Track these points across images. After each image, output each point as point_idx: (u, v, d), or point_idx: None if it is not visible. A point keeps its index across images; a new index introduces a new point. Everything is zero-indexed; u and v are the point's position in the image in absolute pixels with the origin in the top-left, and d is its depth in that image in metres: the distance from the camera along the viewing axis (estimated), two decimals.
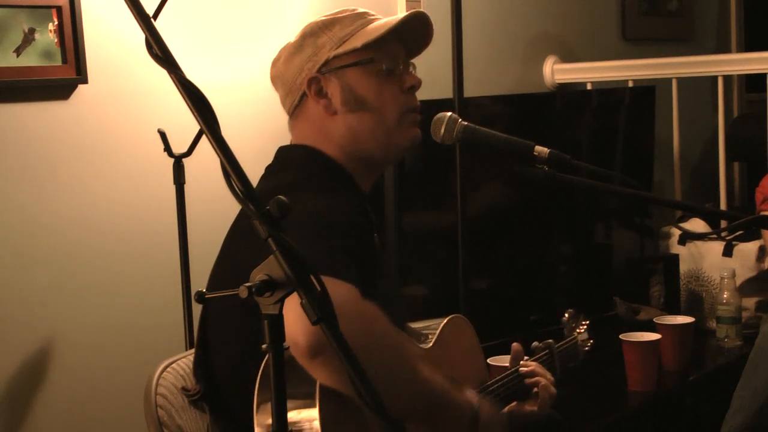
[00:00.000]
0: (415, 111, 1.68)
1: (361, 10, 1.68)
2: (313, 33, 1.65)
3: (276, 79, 1.71)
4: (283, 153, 1.72)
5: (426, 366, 1.47)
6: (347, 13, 1.66)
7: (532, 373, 1.83)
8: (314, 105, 1.65)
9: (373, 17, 1.67)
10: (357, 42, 1.62)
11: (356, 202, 1.63)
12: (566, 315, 2.14)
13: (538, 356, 1.95)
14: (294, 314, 1.05)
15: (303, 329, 1.19)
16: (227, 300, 1.40)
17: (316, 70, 1.63)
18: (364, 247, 1.53)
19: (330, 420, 1.30)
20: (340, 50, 1.62)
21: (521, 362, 1.86)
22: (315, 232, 1.40)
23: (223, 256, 1.64)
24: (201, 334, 1.62)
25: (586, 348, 2.13)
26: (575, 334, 2.11)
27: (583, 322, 2.16)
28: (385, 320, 1.38)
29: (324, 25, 1.65)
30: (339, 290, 1.25)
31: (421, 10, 1.68)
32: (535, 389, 1.82)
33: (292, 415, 1.29)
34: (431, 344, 1.66)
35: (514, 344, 1.90)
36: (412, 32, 1.68)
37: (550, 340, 1.99)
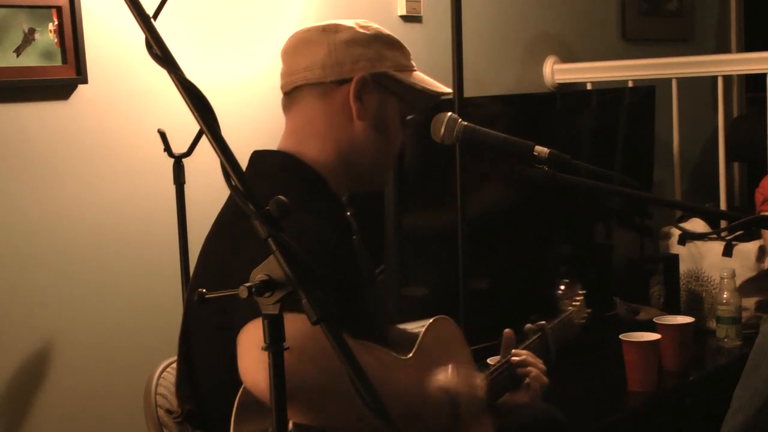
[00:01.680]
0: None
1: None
2: (384, 41, 1.65)
3: (322, 44, 1.61)
4: (257, 160, 1.66)
5: (398, 377, 1.45)
6: (404, 46, 1.69)
7: (523, 363, 1.81)
8: (344, 99, 1.61)
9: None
10: (416, 81, 1.65)
11: (332, 213, 1.60)
12: (561, 287, 2.11)
13: (531, 340, 1.92)
14: (256, 358, 1.05)
15: (265, 376, 1.08)
16: (212, 318, 1.38)
17: (370, 72, 1.61)
18: (342, 258, 1.51)
19: None
20: (400, 76, 1.64)
21: (513, 351, 1.84)
22: None
23: (206, 257, 1.61)
24: (183, 349, 1.59)
25: (582, 321, 2.10)
26: (569, 308, 2.08)
27: (579, 293, 2.13)
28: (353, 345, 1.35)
29: (392, 42, 1.66)
30: (301, 327, 1.13)
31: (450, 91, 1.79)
32: (527, 380, 1.80)
33: None
34: (413, 352, 1.62)
35: (506, 330, 1.87)
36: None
37: (543, 322, 1.96)
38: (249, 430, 1.30)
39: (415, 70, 1.68)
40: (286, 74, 1.66)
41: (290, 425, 1.28)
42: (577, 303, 2.11)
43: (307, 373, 1.24)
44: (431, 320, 1.73)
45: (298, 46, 1.64)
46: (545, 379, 1.82)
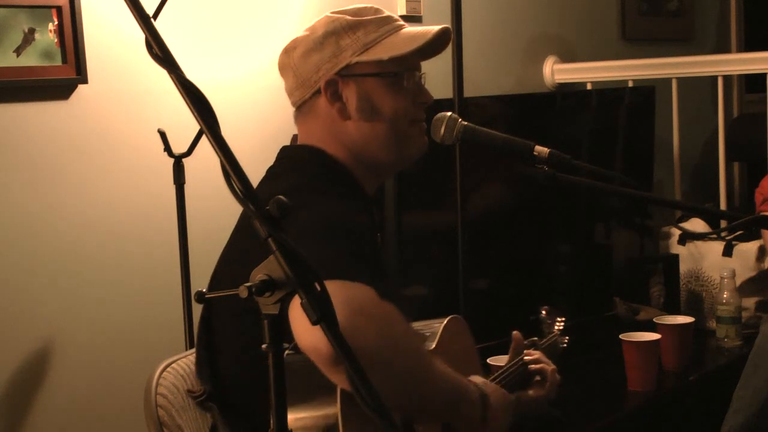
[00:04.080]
0: (422, 122, 1.69)
1: (386, 13, 1.65)
2: (336, 33, 1.61)
3: (287, 68, 1.66)
4: (286, 154, 1.69)
5: (439, 362, 1.47)
6: (371, 16, 1.63)
7: (537, 360, 1.85)
8: (326, 106, 1.62)
9: (397, 23, 1.65)
10: (383, 54, 1.60)
11: (361, 205, 1.62)
12: (543, 312, 2.13)
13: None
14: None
15: (324, 336, 1.15)
16: (233, 302, 1.39)
17: (334, 72, 1.60)
18: (370, 250, 1.53)
19: (352, 417, 1.30)
20: (363, 58, 1.60)
21: (525, 351, 1.87)
22: (327, 236, 1.40)
23: (226, 260, 1.63)
24: (203, 335, 1.61)
25: (563, 345, 2.12)
26: (554, 330, 2.10)
27: (560, 319, 2.14)
28: (403, 320, 1.38)
29: (348, 26, 1.61)
30: (358, 292, 1.27)
31: (446, 26, 1.68)
32: (537, 377, 1.83)
33: (312, 414, 1.29)
34: (434, 345, 1.65)
35: (515, 332, 1.91)
36: (431, 45, 1.67)
37: (535, 338, 1.99)
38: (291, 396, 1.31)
39: (388, 35, 1.62)
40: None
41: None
42: (559, 328, 2.13)
43: (368, 335, 1.25)
44: (447, 319, 1.73)
45: (280, 73, 1.69)
46: (559, 376, 1.86)
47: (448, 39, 1.70)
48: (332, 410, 1.30)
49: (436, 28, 1.65)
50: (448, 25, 1.72)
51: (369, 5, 1.67)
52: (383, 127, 1.63)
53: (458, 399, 1.48)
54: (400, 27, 1.66)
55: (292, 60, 1.65)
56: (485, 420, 1.52)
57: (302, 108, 1.67)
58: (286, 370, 1.31)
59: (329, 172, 1.63)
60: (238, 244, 1.61)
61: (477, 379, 1.58)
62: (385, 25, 1.64)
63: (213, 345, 1.59)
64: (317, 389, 1.29)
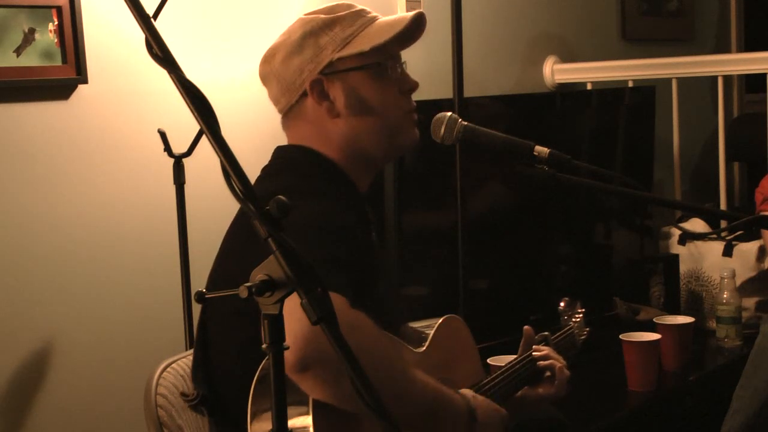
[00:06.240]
0: (414, 111, 1.69)
1: (359, 7, 1.66)
2: (314, 33, 1.62)
3: (270, 76, 1.67)
4: (279, 154, 1.70)
5: (418, 371, 1.45)
6: (345, 12, 1.63)
7: (546, 356, 1.83)
8: (314, 106, 1.63)
9: (371, 15, 1.66)
10: (363, 45, 1.60)
11: (353, 204, 1.62)
12: (562, 303, 2.12)
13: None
14: (287, 308, 1.02)
15: (291, 341, 1.14)
16: (228, 303, 1.39)
17: (318, 71, 1.61)
18: (360, 250, 1.51)
19: (324, 428, 1.29)
20: (344, 53, 1.60)
21: (534, 347, 1.86)
22: (305, 240, 1.39)
23: (223, 257, 1.63)
24: (200, 336, 1.61)
25: (582, 337, 2.11)
26: (572, 323, 2.10)
27: (579, 310, 2.14)
28: (373, 329, 1.37)
29: (324, 24, 1.62)
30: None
31: (421, 10, 1.67)
32: (548, 373, 1.82)
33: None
34: (426, 346, 1.65)
35: (526, 327, 1.90)
36: (409, 30, 1.66)
37: (546, 333, 1.97)
38: (266, 405, 1.30)
39: (364, 27, 1.62)
40: None
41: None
42: (578, 320, 2.12)
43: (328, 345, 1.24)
44: (442, 318, 1.74)
45: (263, 83, 1.70)
46: (568, 371, 1.84)
47: (424, 24, 1.67)
48: (304, 422, 1.29)
49: (411, 13, 1.65)
50: (422, 9, 1.71)
51: (343, 1, 1.67)
52: (374, 120, 1.64)
53: (439, 410, 1.45)
54: (374, 18, 1.66)
55: (273, 67, 1.65)
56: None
57: (290, 113, 1.67)
58: (263, 384, 1.31)
59: (322, 172, 1.63)
60: (233, 244, 1.61)
61: (466, 392, 1.56)
62: (359, 18, 1.64)
63: (209, 347, 1.59)
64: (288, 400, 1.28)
